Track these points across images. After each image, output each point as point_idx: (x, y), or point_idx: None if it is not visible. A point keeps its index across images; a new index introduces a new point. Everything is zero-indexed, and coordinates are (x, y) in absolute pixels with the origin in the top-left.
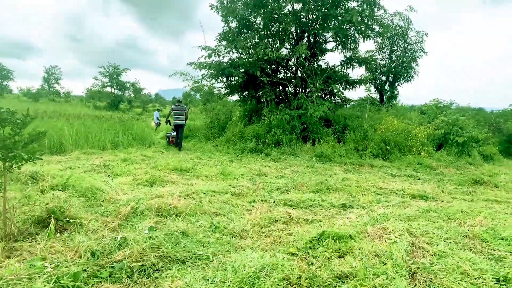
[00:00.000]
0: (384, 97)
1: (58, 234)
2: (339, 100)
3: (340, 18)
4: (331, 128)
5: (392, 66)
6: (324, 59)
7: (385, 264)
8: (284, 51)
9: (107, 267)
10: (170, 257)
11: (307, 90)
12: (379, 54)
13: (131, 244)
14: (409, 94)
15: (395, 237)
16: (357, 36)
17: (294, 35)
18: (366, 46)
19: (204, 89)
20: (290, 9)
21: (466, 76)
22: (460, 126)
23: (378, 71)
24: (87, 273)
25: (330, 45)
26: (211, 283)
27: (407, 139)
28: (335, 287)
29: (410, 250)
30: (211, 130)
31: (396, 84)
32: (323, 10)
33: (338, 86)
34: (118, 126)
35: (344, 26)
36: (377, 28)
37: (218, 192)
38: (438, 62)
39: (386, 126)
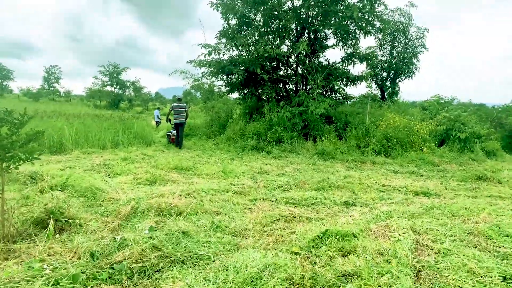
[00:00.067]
0: (385, 93)
1: (57, 235)
2: (340, 97)
3: (340, 14)
4: (332, 125)
5: (393, 62)
6: (324, 56)
7: (389, 262)
8: (284, 48)
9: (106, 268)
10: (170, 257)
11: (308, 87)
12: (380, 50)
13: (131, 244)
14: (410, 90)
15: (399, 234)
16: (358, 32)
17: (295, 31)
18: (367, 42)
19: (204, 87)
20: (290, 5)
21: (466, 76)
22: (462, 122)
23: (379, 67)
24: (86, 275)
25: (331, 41)
26: (213, 284)
27: (409, 136)
28: (339, 287)
29: (414, 248)
30: (211, 128)
31: (397, 80)
32: (324, 6)
33: (339, 82)
34: (118, 125)
35: (345, 22)
36: (377, 24)
37: (219, 190)
38: (439, 61)
39: (387, 122)
